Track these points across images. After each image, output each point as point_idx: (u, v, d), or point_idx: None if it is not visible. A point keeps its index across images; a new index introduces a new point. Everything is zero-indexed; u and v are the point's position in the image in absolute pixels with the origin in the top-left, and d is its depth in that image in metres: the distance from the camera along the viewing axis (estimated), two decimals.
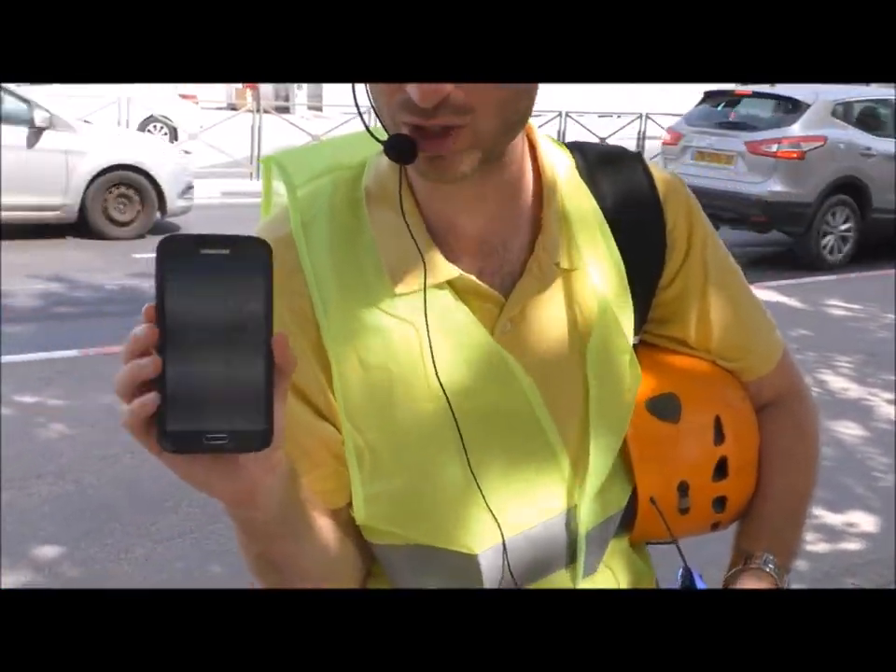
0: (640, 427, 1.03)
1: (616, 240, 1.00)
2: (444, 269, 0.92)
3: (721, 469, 1.06)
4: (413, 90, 0.80)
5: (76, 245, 8.61)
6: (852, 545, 3.68)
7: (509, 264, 0.95)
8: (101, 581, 3.17)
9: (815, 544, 3.66)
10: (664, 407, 1.05)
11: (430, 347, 0.91)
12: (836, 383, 5.59)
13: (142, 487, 3.83)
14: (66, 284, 7.17)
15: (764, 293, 7.63)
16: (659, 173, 1.05)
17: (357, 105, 0.91)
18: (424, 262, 0.91)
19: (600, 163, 1.03)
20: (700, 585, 1.06)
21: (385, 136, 0.87)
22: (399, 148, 0.85)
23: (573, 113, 15.29)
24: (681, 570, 1.08)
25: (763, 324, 1.12)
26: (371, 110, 0.92)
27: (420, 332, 0.92)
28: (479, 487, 0.92)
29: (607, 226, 0.99)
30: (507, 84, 0.82)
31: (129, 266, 7.79)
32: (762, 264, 9.14)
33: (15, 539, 3.40)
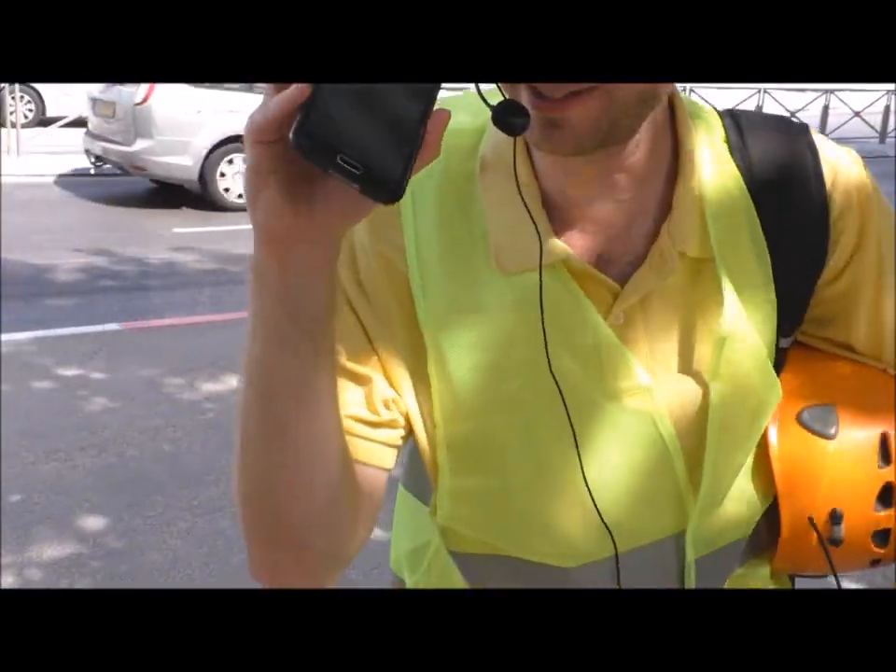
0: (788, 441, 0.91)
1: (766, 225, 0.86)
2: (555, 247, 0.82)
3: (885, 497, 0.91)
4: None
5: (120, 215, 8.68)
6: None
7: (632, 251, 0.84)
8: (143, 552, 3.21)
9: None
10: (818, 419, 0.91)
11: (544, 335, 0.82)
12: None
13: (183, 461, 3.87)
14: (108, 257, 7.23)
15: None
16: (828, 149, 0.89)
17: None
18: (539, 237, 0.81)
19: (756, 135, 0.89)
20: None
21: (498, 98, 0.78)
22: (508, 118, 0.74)
23: (771, 89, 15.31)
24: None
25: None
26: None
27: (530, 317, 0.82)
28: (590, 493, 0.84)
29: (754, 210, 0.86)
30: None
31: (170, 241, 7.85)
32: None
33: (60, 510, 3.45)
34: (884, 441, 0.91)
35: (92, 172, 10.08)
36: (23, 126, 11.37)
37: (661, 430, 0.85)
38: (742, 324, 0.85)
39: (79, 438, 4.00)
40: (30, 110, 13.25)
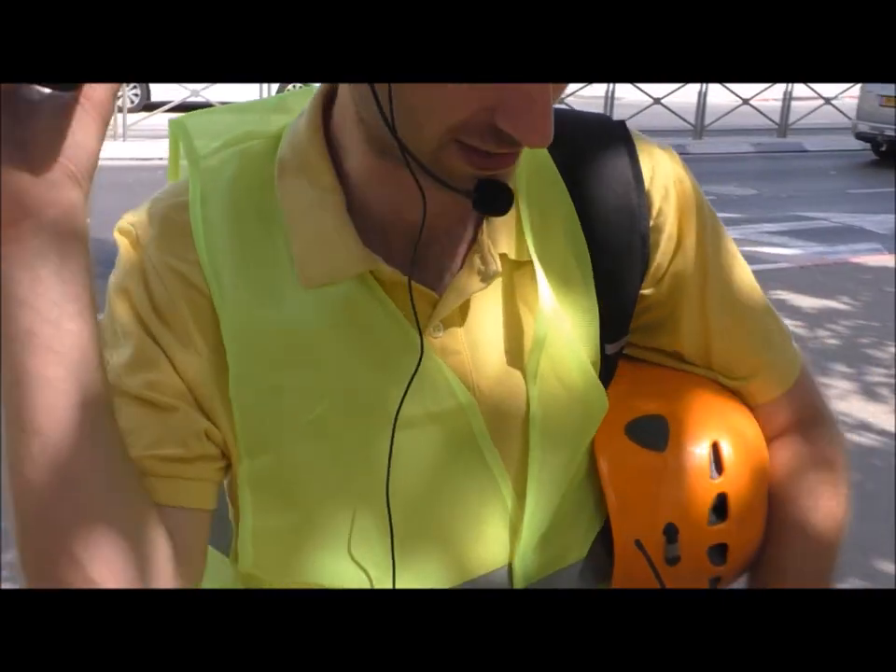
0: (617, 456, 0.85)
1: (586, 226, 0.83)
2: (363, 257, 0.76)
3: (719, 510, 0.86)
4: (521, 132, 0.65)
5: None
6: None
7: (449, 255, 0.80)
8: None
9: None
10: (647, 431, 0.86)
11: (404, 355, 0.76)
12: None
13: None
14: None
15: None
16: (646, 145, 0.86)
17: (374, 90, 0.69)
18: (343, 250, 0.76)
19: (572, 134, 0.84)
20: None
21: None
22: (496, 199, 0.70)
23: None
24: None
25: (776, 334, 0.92)
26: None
27: (338, 334, 0.77)
28: (391, 524, 0.77)
29: (574, 211, 0.83)
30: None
31: None
32: None
33: None
34: (716, 450, 0.87)
35: None
36: (129, 111, 11.68)
37: (483, 451, 0.80)
38: (562, 324, 0.81)
39: None
40: (136, 95, 13.65)
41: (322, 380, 0.77)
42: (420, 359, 0.76)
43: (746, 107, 14.44)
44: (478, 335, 0.80)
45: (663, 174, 0.85)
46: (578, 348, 0.82)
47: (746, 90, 14.92)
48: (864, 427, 4.40)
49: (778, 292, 6.44)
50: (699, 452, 0.87)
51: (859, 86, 15.06)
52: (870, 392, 4.81)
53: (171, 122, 0.87)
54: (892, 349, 5.38)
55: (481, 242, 0.79)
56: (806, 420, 0.94)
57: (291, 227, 0.78)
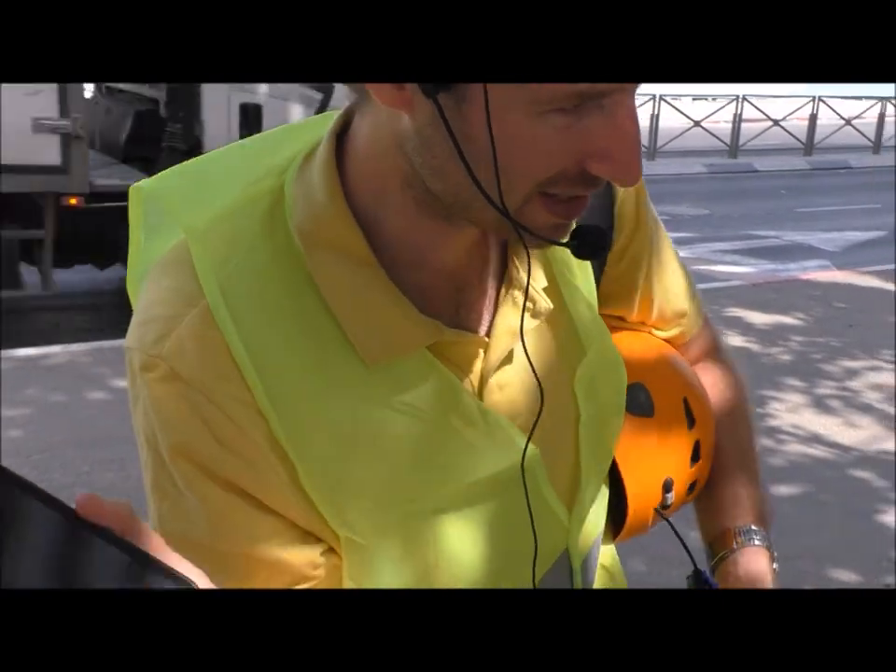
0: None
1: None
2: (425, 328, 0.75)
3: (695, 454, 1.00)
4: (618, 173, 0.67)
5: None
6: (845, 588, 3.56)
7: (486, 294, 0.81)
8: None
9: None
10: (637, 402, 0.96)
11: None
12: None
13: None
14: None
15: (866, 279, 7.43)
16: None
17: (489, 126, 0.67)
18: (402, 324, 0.75)
19: None
20: (714, 585, 0.99)
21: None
22: (595, 244, 0.73)
23: (667, 96, 15.08)
24: (692, 572, 1.01)
25: (690, 284, 1.05)
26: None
27: (404, 412, 0.76)
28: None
29: None
30: None
31: None
32: (862, 249, 8.89)
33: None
34: (686, 404, 1.00)
35: None
36: None
37: (539, 481, 0.83)
38: (599, 326, 0.89)
39: (134, 448, 4.04)
40: None
41: (392, 457, 0.76)
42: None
43: (697, 129, 14.68)
44: (525, 363, 0.82)
45: None
46: (613, 347, 0.90)
47: (697, 111, 15.17)
48: (816, 439, 4.48)
49: (731, 309, 6.53)
50: (676, 409, 0.99)
51: (808, 108, 15.36)
52: (821, 405, 4.90)
53: (135, 188, 0.82)
54: (843, 363, 5.48)
55: (517, 277, 0.81)
56: (711, 351, 1.10)
57: (334, 303, 0.74)
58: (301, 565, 0.76)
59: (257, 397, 0.71)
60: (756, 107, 15.31)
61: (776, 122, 15.33)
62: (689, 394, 1.00)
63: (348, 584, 0.78)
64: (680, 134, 14.21)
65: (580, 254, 0.73)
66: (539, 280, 0.83)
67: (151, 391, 0.73)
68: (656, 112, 14.50)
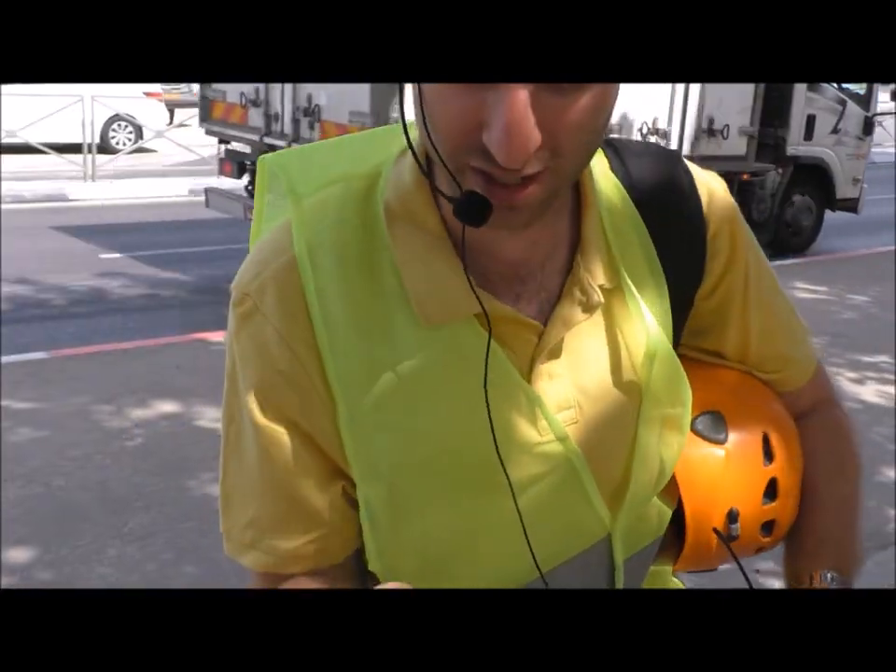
0: (686, 448, 0.96)
1: (660, 252, 0.91)
2: (481, 297, 0.81)
3: (770, 491, 0.99)
4: (496, 147, 0.69)
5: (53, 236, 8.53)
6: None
7: (547, 287, 0.86)
8: (73, 582, 3.16)
9: None
10: (710, 426, 0.98)
11: (485, 389, 0.81)
12: None
13: (112, 488, 3.82)
14: (33, 286, 7.11)
15: None
16: (699, 173, 0.96)
17: (402, 114, 0.79)
18: (461, 290, 0.81)
19: (637, 164, 0.93)
20: None
21: (409, 136, 0.79)
22: (473, 210, 0.75)
23: None
24: None
25: (799, 332, 1.05)
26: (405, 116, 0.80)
27: (449, 372, 0.83)
28: (523, 526, 0.85)
29: (647, 235, 0.91)
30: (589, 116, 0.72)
31: (95, 266, 7.74)
32: None
33: None
34: (766, 439, 0.99)
35: None
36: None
37: (580, 472, 0.87)
38: (664, 341, 0.90)
39: (5, 469, 3.93)
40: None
41: (432, 417, 0.83)
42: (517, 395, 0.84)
43: None
44: (581, 359, 0.87)
45: (717, 200, 0.95)
46: (675, 358, 0.91)
47: None
48: None
49: None
50: (753, 442, 0.99)
51: None
52: None
53: (262, 159, 0.92)
54: None
55: (578, 274, 0.85)
56: (823, 402, 1.09)
57: (404, 269, 0.83)
58: (326, 505, 0.86)
59: (319, 339, 0.82)
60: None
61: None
62: (772, 431, 1.00)
63: (364, 516, 0.86)
64: None
65: (459, 216, 0.75)
66: (599, 278, 0.87)
67: (236, 323, 0.85)
68: None
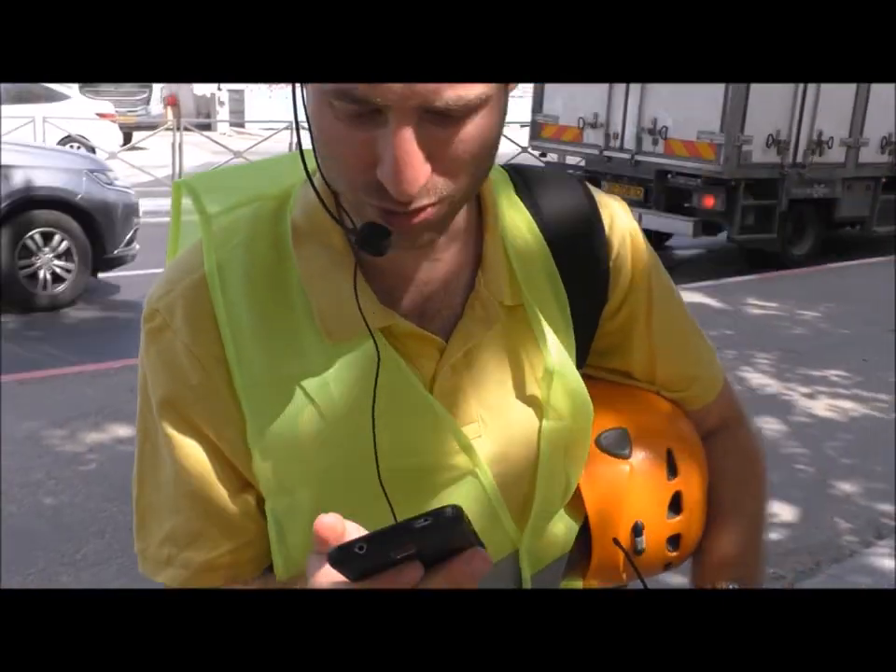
0: (591, 464, 0.98)
1: (560, 269, 0.94)
2: (381, 314, 0.85)
3: (675, 505, 1.02)
4: (389, 182, 0.73)
5: None
6: (774, 535, 3.78)
7: (450, 305, 0.89)
8: None
9: None
10: (614, 442, 1.01)
11: (373, 404, 0.83)
12: (756, 379, 5.73)
13: (65, 514, 3.76)
14: None
15: (686, 295, 7.77)
16: (602, 197, 0.99)
17: (300, 139, 0.82)
18: (359, 307, 0.83)
19: (541, 187, 0.96)
20: None
21: (310, 165, 0.82)
22: (375, 241, 0.78)
23: None
24: None
25: (706, 352, 1.08)
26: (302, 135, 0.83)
27: (352, 387, 0.85)
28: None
29: (550, 256, 0.94)
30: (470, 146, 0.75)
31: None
32: (684, 266, 9.31)
33: None
34: (670, 455, 1.02)
35: None
36: None
37: (483, 483, 0.88)
38: (564, 359, 0.92)
39: None
40: None
41: (336, 430, 0.85)
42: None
43: (525, 155, 15.07)
44: (484, 375, 0.89)
45: (619, 222, 0.98)
46: (578, 378, 0.93)
47: (524, 138, 15.56)
48: None
49: None
50: (657, 457, 1.02)
51: None
52: None
53: (176, 183, 0.94)
54: None
55: (479, 291, 0.88)
56: (730, 420, 1.11)
57: (310, 287, 0.85)
58: (239, 514, 0.87)
59: (228, 354, 0.84)
60: None
61: None
62: (676, 447, 1.03)
63: (271, 528, 0.87)
64: (511, 159, 14.56)
65: (360, 246, 0.79)
66: (500, 296, 0.89)
67: (146, 339, 0.87)
68: None
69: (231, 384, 0.85)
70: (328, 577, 0.65)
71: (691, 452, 1.04)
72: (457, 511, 0.62)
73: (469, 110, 0.72)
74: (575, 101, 9.61)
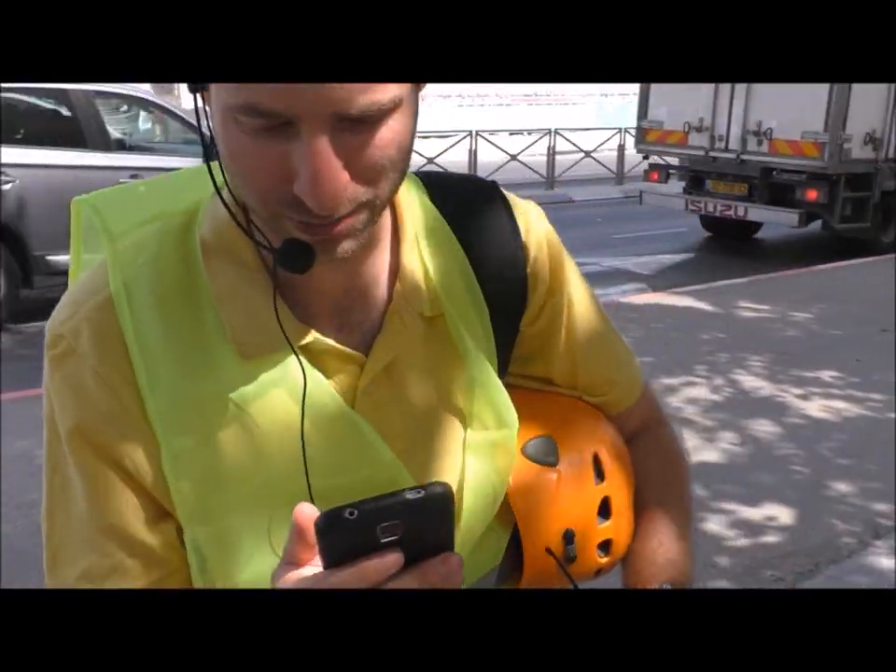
0: (518, 474, 0.97)
1: (480, 279, 0.92)
2: (297, 331, 0.82)
3: (604, 511, 1.01)
4: (308, 197, 0.71)
5: None
6: (771, 538, 3.78)
7: (369, 317, 0.87)
8: None
9: (735, 539, 3.75)
10: (540, 450, 0.99)
11: (301, 427, 0.80)
12: (749, 382, 5.73)
13: None
14: None
15: (679, 299, 7.81)
16: (517, 202, 0.98)
17: (206, 153, 0.78)
18: (278, 324, 0.80)
19: (457, 195, 0.94)
20: None
21: (218, 179, 0.79)
22: (298, 257, 0.76)
23: (483, 132, 15.46)
24: None
25: (624, 355, 1.08)
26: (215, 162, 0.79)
27: (274, 408, 0.81)
28: None
29: (468, 264, 0.92)
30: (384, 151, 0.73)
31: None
32: (674, 270, 9.34)
33: None
34: (596, 459, 1.02)
35: None
36: None
37: None
38: (486, 368, 0.90)
39: None
40: None
41: (258, 450, 0.81)
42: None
43: (514, 163, 15.10)
44: (406, 388, 0.87)
45: (535, 227, 0.96)
46: (500, 386, 0.91)
47: (513, 146, 15.61)
48: None
49: None
50: (584, 463, 1.01)
51: (617, 140, 16.04)
52: None
53: (76, 201, 0.90)
54: (662, 380, 5.73)
55: (398, 303, 0.86)
56: (651, 422, 1.11)
57: (221, 304, 0.82)
58: (160, 545, 0.83)
59: (138, 377, 0.80)
60: (568, 140, 15.91)
61: (587, 154, 15.96)
62: (602, 451, 1.02)
63: (191, 556, 0.83)
64: (499, 168, 14.59)
65: (282, 263, 0.77)
66: (419, 307, 0.87)
67: (51, 366, 0.83)
68: (474, 147, 14.86)
69: (143, 408, 0.80)
70: (297, 576, 0.64)
71: (616, 455, 1.04)
72: (446, 486, 0.62)
73: (382, 114, 0.71)
74: (680, 106, 10.74)
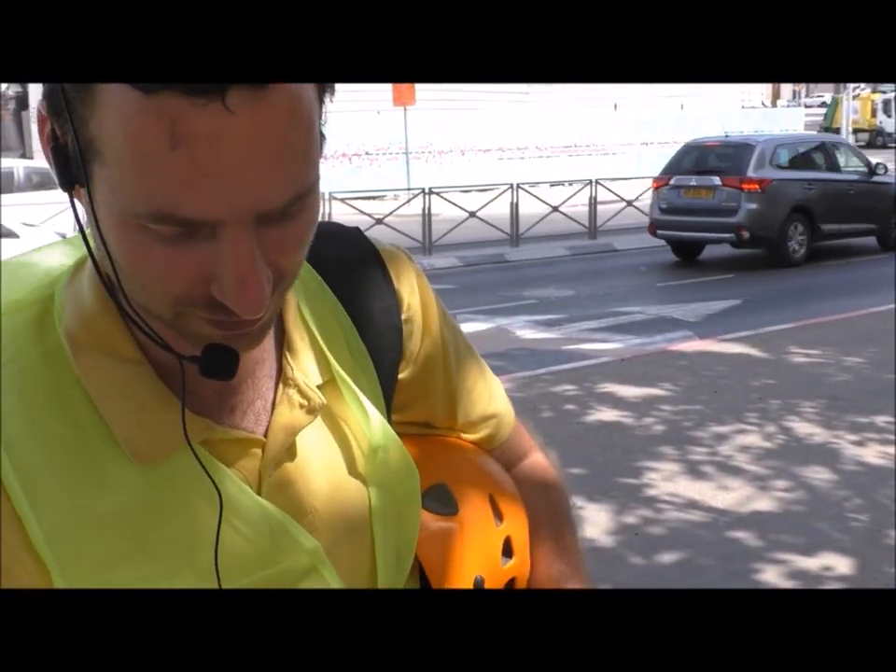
0: (422, 527, 0.94)
1: (362, 335, 0.89)
2: (192, 426, 0.74)
3: (507, 550, 1.00)
4: (233, 303, 0.66)
5: None
6: (831, 588, 3.68)
7: (261, 395, 0.81)
8: None
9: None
10: (438, 501, 0.98)
11: (217, 536, 0.74)
12: (802, 428, 5.64)
13: None
14: None
15: (727, 345, 7.74)
16: (383, 246, 0.95)
17: (81, 228, 0.70)
18: (184, 426, 0.73)
19: (324, 245, 0.84)
20: None
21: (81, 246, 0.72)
22: (222, 364, 0.71)
23: (524, 184, 15.57)
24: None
25: (496, 387, 1.06)
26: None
27: (177, 510, 0.75)
28: None
29: (347, 317, 0.89)
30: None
31: None
32: (720, 317, 9.27)
33: None
34: (493, 500, 1.01)
35: None
36: None
37: (326, 577, 0.81)
38: (384, 426, 0.87)
39: None
40: None
41: (161, 565, 0.74)
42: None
43: (556, 214, 15.17)
44: (310, 462, 0.83)
45: (404, 271, 0.95)
46: (398, 443, 0.88)
47: (554, 197, 15.70)
48: (692, 504, 4.59)
49: (603, 385, 6.69)
50: (482, 507, 0.99)
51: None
52: (695, 471, 5.04)
53: None
54: (712, 428, 5.66)
55: (290, 375, 0.81)
56: (528, 451, 1.11)
57: (103, 405, 0.74)
58: None
59: (16, 503, 0.70)
60: (609, 189, 15.97)
61: (629, 203, 15.99)
62: (495, 491, 1.01)
63: None
64: (541, 220, 14.66)
65: (205, 372, 0.72)
66: (313, 378, 0.83)
67: None
68: (515, 200, 14.95)
69: (26, 540, 0.71)
70: None
71: (509, 492, 1.03)
72: None
73: (302, 202, 0.68)
74: None
